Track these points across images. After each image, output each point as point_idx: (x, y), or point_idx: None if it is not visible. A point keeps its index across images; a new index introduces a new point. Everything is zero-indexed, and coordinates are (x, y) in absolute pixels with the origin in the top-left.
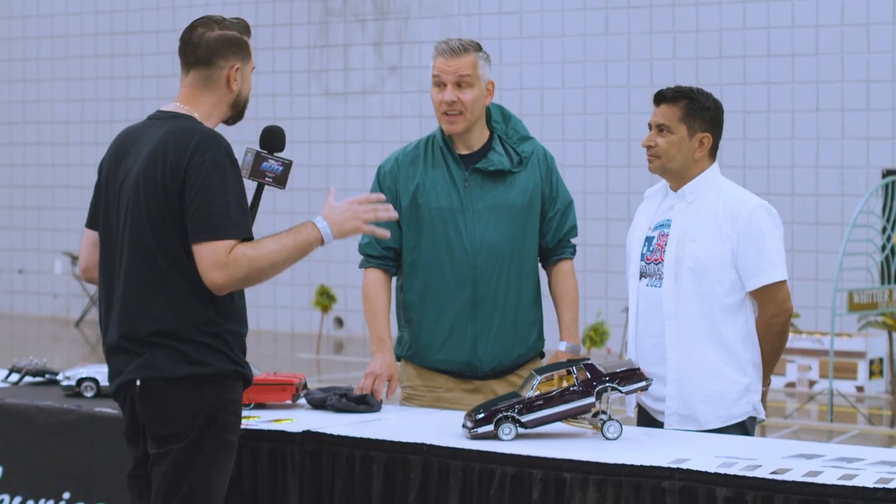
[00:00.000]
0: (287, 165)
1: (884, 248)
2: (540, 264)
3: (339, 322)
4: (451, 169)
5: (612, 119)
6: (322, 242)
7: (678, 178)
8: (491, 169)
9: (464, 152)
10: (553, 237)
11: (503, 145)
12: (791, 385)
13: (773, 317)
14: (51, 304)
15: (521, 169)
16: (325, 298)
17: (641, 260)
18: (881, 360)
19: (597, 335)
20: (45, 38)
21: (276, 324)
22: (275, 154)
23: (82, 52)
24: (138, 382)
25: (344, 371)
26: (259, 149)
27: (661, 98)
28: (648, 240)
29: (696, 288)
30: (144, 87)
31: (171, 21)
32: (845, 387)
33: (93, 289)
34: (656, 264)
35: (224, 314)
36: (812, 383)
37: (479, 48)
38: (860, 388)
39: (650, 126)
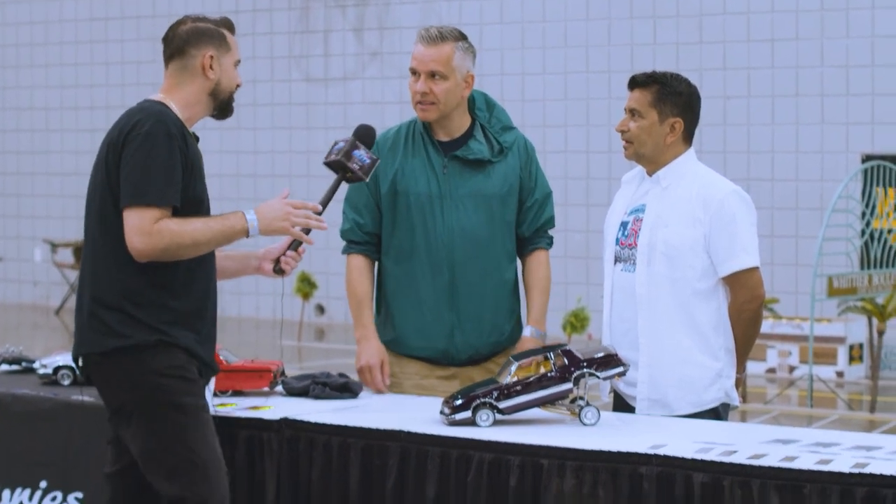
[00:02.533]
0: (374, 160)
1: (863, 233)
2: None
3: (321, 309)
4: (431, 155)
5: (592, 104)
6: (247, 234)
7: (652, 162)
8: (470, 157)
9: (444, 139)
10: (529, 227)
11: (485, 133)
12: (771, 370)
13: (744, 303)
14: (31, 292)
15: (501, 158)
16: (307, 285)
17: (616, 244)
18: (861, 346)
19: (577, 321)
20: (24, 24)
21: (258, 311)
22: (370, 151)
23: (62, 37)
24: (80, 361)
25: (326, 358)
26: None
27: (633, 83)
28: (623, 224)
29: (668, 273)
30: (125, 73)
31: (151, 7)
32: (825, 372)
33: (73, 276)
34: (630, 249)
35: (152, 284)
36: (792, 369)
37: (459, 37)
38: (840, 374)
39: (625, 111)
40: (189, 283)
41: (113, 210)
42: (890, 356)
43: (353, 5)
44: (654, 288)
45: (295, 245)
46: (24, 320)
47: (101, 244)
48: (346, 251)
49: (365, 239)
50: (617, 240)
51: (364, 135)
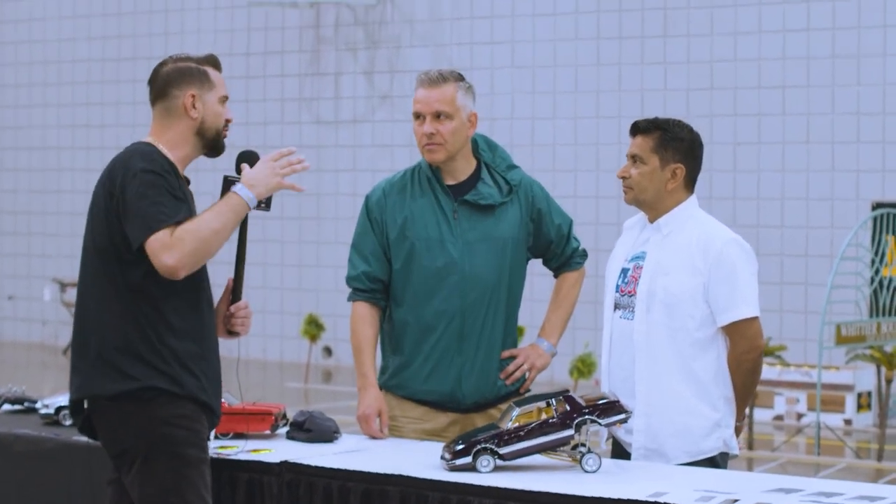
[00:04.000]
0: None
1: (872, 280)
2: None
3: (329, 351)
4: (440, 199)
5: (602, 150)
6: (249, 207)
7: (653, 209)
8: (482, 203)
9: (451, 183)
10: (556, 261)
11: (491, 174)
12: (779, 418)
13: (743, 353)
14: (39, 331)
15: (510, 198)
16: (314, 328)
17: (616, 291)
18: (869, 394)
19: (584, 366)
20: (38, 64)
21: (265, 353)
22: None
23: (74, 78)
24: (85, 404)
25: (333, 401)
26: (230, 174)
27: (635, 129)
28: (624, 271)
29: (667, 321)
30: (136, 114)
31: (164, 48)
32: (833, 420)
33: None
34: (630, 296)
35: (158, 329)
36: (800, 416)
37: (459, 78)
38: (848, 422)
39: (627, 157)
40: (195, 325)
41: (117, 253)
42: None
43: (364, 48)
44: (652, 336)
45: (234, 299)
46: (32, 359)
47: (106, 287)
48: (352, 298)
49: (371, 286)
50: (617, 286)
51: (243, 161)
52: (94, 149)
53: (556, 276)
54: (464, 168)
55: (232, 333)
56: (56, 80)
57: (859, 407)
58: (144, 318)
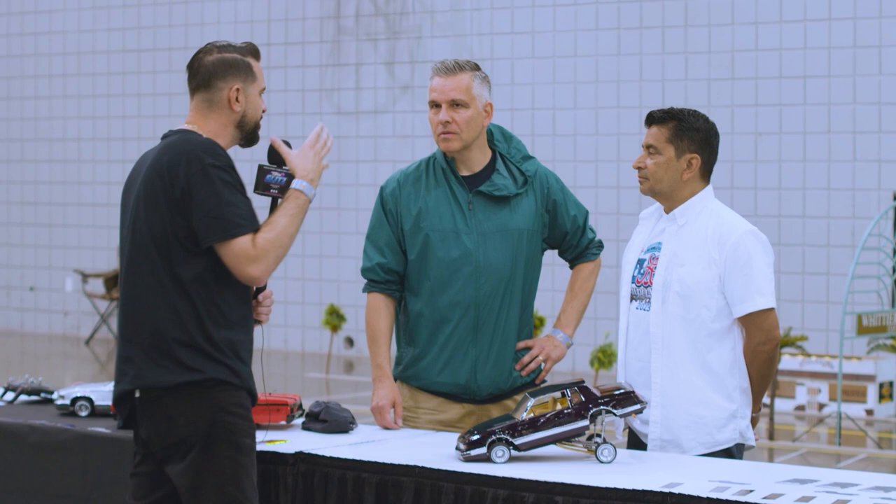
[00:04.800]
0: (290, 176)
1: (894, 270)
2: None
3: (350, 342)
4: (455, 190)
5: (623, 140)
6: (312, 200)
7: (668, 199)
8: (497, 194)
9: (465, 174)
10: (572, 253)
11: (506, 165)
12: (800, 408)
13: (759, 344)
14: (61, 322)
15: (525, 190)
16: (335, 318)
17: (632, 282)
18: (891, 384)
19: (605, 357)
20: (58, 55)
21: (287, 343)
22: (280, 167)
23: (94, 69)
24: (137, 394)
25: (354, 391)
26: (264, 163)
27: (651, 119)
28: (640, 262)
29: (682, 312)
30: (157, 105)
31: (184, 39)
32: (854, 410)
33: (103, 307)
34: (646, 287)
35: (217, 321)
36: (821, 406)
37: (475, 68)
38: (870, 412)
39: (642, 147)
40: (243, 315)
41: (178, 245)
42: None
43: (385, 39)
44: (668, 327)
45: (255, 294)
46: (54, 350)
47: (162, 277)
48: (367, 290)
49: (385, 277)
50: (633, 277)
51: (275, 152)
52: (115, 140)
53: (571, 267)
54: (479, 159)
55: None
56: (76, 71)
57: (881, 397)
58: (203, 309)
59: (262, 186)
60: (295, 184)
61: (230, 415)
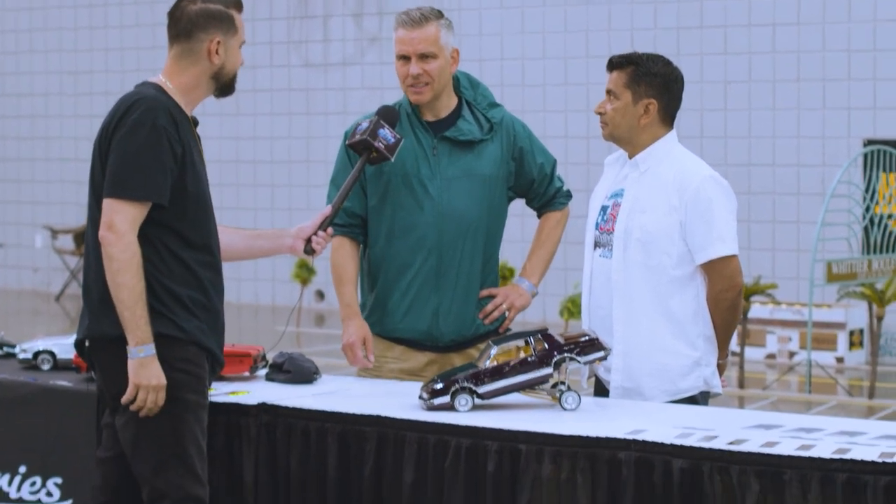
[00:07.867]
0: (399, 139)
1: (863, 217)
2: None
3: (321, 295)
4: (420, 136)
5: (592, 89)
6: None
7: (629, 145)
8: (461, 139)
9: (430, 119)
10: (539, 201)
11: (472, 112)
12: (771, 356)
13: (721, 291)
14: (31, 279)
15: (491, 136)
16: (305, 271)
17: (595, 229)
18: (861, 331)
19: (574, 307)
20: (24, 10)
21: (258, 297)
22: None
23: (61, 24)
24: (87, 343)
25: (325, 343)
26: (370, 141)
27: (611, 65)
28: (603, 209)
29: (644, 260)
30: (124, 60)
31: None
32: (825, 358)
33: (73, 262)
34: (609, 234)
35: (161, 273)
36: (792, 354)
37: (439, 15)
38: (840, 360)
39: (605, 93)
40: (198, 271)
41: None
42: (890, 342)
43: None
44: (629, 275)
45: (325, 224)
46: (24, 306)
47: (97, 235)
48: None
49: (349, 221)
50: (597, 224)
51: (386, 114)
52: (81, 95)
53: (539, 216)
54: (445, 105)
55: (309, 252)
56: (42, 26)
57: (851, 345)
58: (147, 262)
59: (372, 135)
60: (135, 352)
61: (173, 370)
